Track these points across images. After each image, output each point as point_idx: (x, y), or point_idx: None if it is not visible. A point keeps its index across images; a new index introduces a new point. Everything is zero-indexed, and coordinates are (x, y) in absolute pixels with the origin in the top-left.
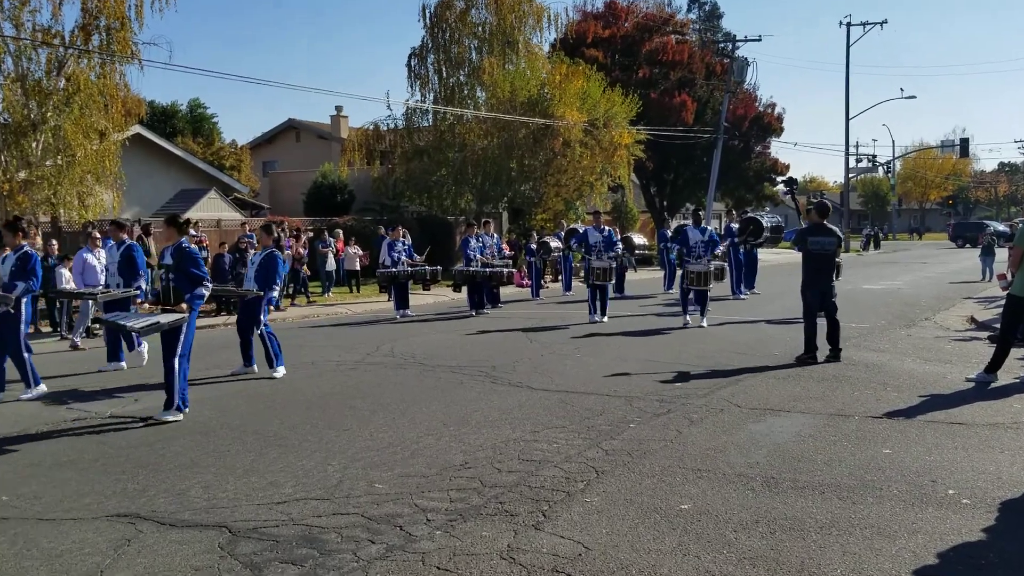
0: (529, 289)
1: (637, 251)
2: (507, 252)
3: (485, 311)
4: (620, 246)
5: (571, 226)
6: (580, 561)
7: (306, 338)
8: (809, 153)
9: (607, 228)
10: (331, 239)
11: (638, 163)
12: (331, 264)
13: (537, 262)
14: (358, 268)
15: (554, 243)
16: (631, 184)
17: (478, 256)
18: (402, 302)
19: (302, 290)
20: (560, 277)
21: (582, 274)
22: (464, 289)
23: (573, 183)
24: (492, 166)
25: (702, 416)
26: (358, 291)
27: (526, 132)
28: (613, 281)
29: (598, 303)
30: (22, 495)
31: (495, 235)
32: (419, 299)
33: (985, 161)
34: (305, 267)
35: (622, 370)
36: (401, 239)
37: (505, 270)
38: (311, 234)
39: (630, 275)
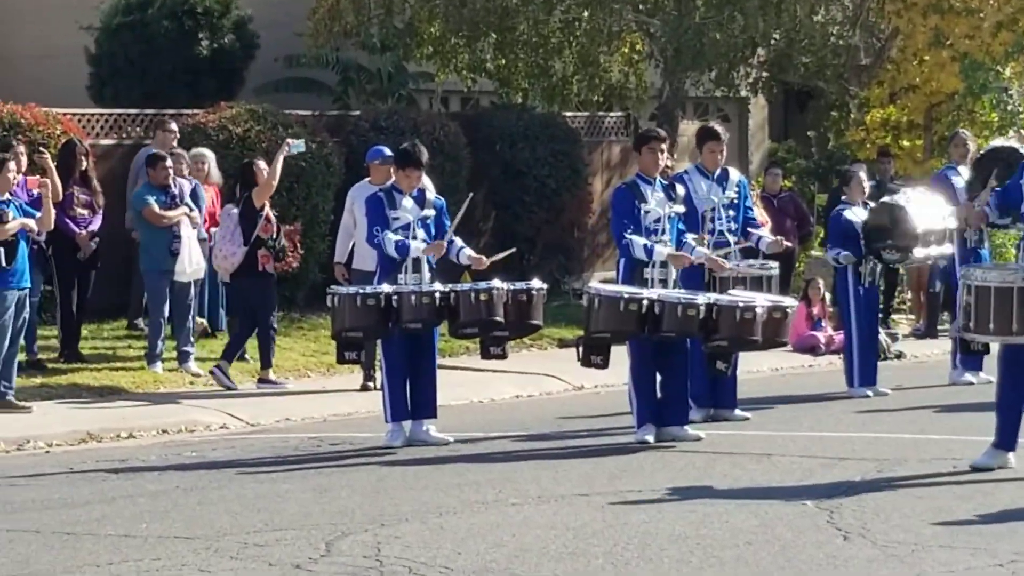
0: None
1: None
2: (765, 237)
3: (690, 430)
4: None
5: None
6: None
7: (96, 506)
8: None
9: None
10: (185, 184)
11: None
12: (191, 262)
13: (869, 273)
14: (273, 269)
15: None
16: None
17: (668, 250)
18: (425, 393)
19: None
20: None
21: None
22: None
23: None
24: None
25: None
26: (263, 360)
27: None
28: None
29: None
30: None
31: (735, 177)
32: (471, 385)
33: None
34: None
35: None
36: (415, 189)
37: (761, 302)
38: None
39: None
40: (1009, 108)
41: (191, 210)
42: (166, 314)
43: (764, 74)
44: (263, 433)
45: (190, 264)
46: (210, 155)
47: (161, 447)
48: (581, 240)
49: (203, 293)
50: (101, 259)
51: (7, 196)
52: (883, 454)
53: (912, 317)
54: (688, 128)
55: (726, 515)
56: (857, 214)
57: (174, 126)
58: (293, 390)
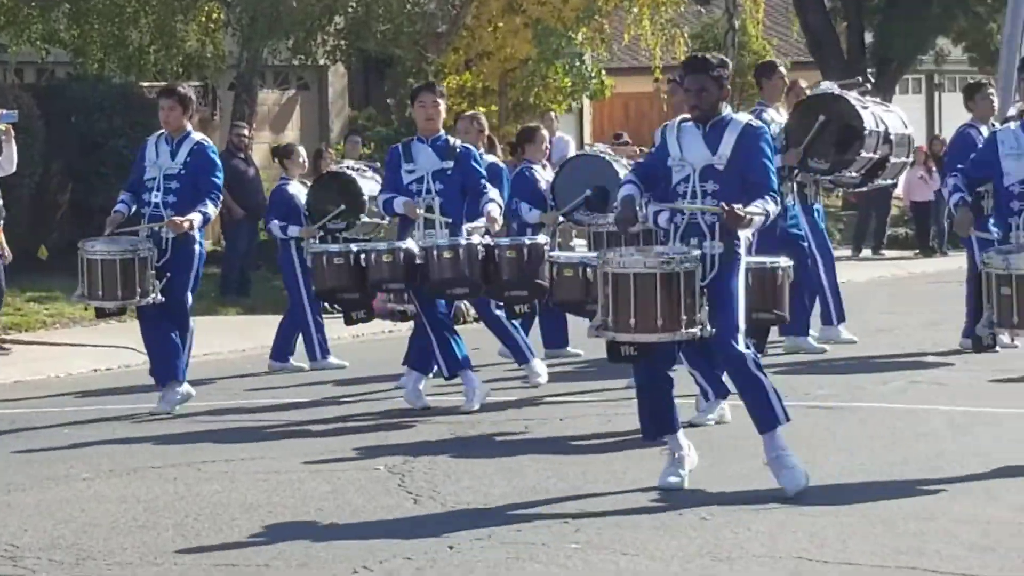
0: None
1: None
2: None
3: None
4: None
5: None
6: None
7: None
8: None
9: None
10: None
11: None
12: None
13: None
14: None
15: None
16: None
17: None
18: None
19: None
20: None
21: None
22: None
23: None
24: None
25: None
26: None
27: None
28: None
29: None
30: None
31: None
32: (48, 361)
33: None
34: None
35: None
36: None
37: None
38: None
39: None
40: (582, 73)
41: None
42: None
43: (342, 42)
44: None
45: None
46: None
47: None
48: None
49: None
50: None
51: None
52: (458, 418)
53: None
54: (268, 97)
55: (299, 483)
56: (297, 188)
57: None
58: None
